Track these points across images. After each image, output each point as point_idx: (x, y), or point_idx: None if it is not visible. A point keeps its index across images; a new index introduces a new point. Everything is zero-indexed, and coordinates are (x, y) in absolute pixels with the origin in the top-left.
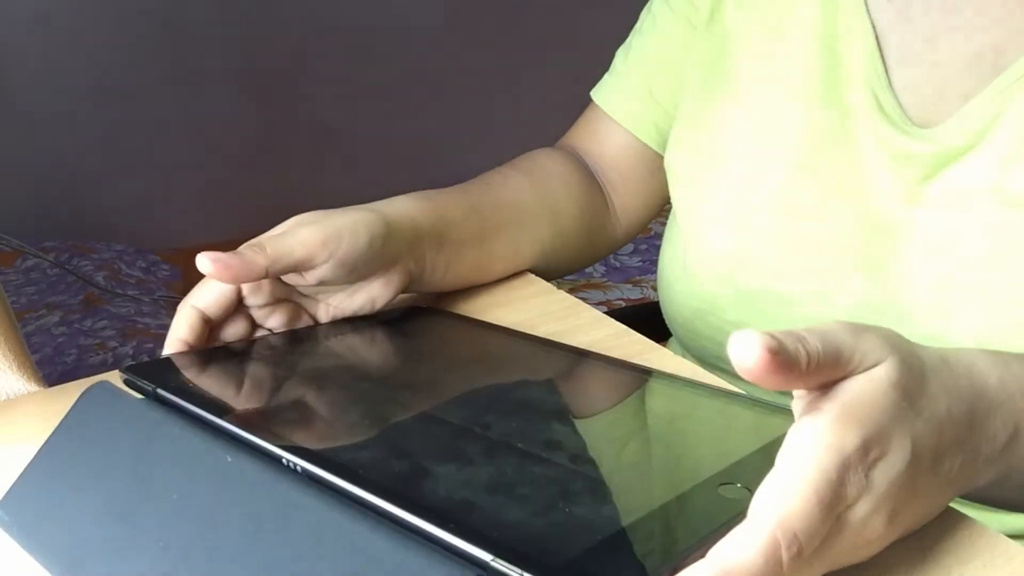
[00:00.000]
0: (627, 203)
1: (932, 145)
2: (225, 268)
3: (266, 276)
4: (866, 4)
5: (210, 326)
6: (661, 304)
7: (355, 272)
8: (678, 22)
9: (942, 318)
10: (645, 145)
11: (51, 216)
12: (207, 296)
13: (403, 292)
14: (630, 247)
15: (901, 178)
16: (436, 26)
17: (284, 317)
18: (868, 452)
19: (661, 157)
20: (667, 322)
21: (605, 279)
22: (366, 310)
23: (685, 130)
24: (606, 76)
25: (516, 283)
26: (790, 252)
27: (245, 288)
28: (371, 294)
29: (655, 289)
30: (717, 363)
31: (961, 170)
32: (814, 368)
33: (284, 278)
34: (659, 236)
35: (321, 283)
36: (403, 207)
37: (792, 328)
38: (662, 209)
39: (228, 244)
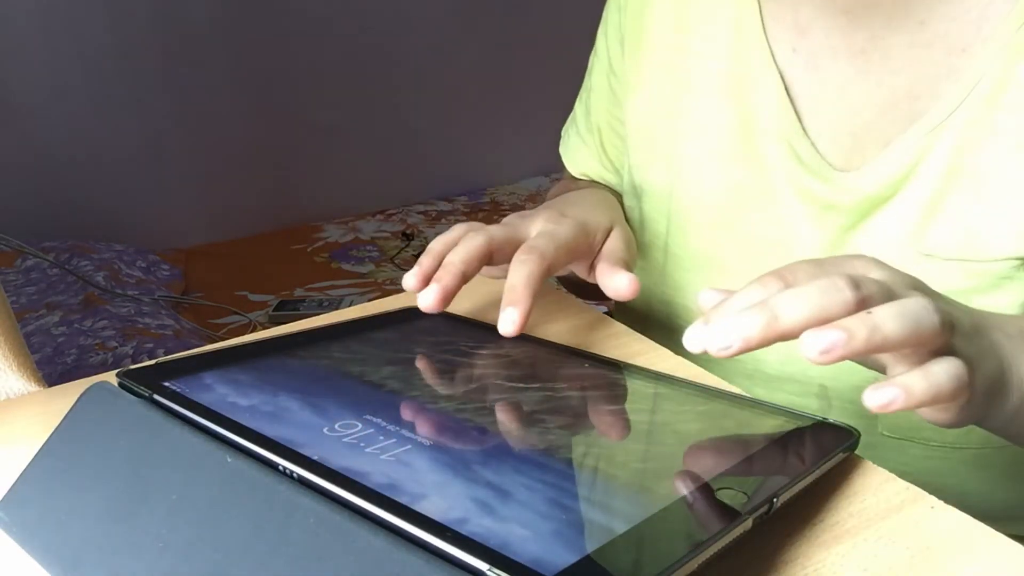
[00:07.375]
0: None
1: (852, 194)
2: None
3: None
4: (772, 55)
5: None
6: None
7: None
8: (615, 86)
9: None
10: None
11: (51, 216)
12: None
13: None
14: None
15: (825, 228)
16: (437, 26)
17: None
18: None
19: None
20: None
21: None
22: None
23: (627, 198)
24: (568, 126)
25: None
26: None
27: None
28: None
29: None
30: None
31: (882, 219)
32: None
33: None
34: None
35: None
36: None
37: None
38: None
39: (228, 244)
